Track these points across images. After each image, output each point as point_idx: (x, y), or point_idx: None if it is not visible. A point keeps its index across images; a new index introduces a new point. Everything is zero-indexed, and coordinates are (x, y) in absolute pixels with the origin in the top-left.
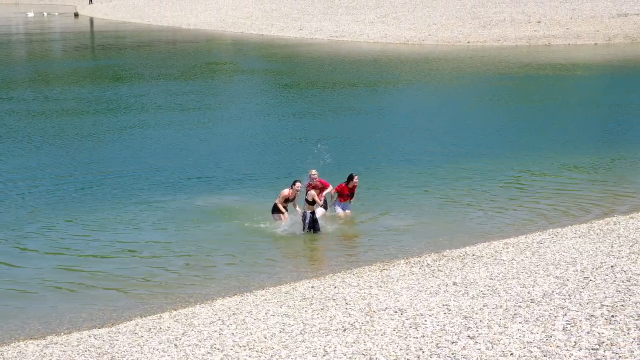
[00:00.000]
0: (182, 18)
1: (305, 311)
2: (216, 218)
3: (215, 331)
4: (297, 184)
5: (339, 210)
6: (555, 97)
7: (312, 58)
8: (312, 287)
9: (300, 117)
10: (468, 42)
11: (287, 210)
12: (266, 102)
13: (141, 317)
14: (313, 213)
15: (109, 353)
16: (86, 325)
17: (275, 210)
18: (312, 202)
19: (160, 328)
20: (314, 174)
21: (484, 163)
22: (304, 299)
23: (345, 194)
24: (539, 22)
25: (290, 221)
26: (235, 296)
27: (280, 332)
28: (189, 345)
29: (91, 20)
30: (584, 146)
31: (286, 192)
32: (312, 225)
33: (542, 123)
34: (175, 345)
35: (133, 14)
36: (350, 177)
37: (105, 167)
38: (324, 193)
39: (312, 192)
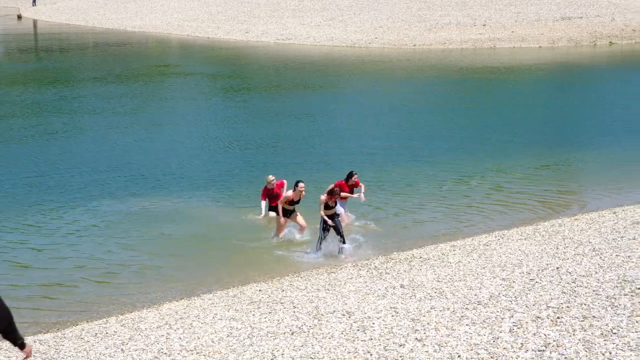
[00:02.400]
0: (127, 20)
1: (253, 315)
2: (162, 222)
3: (163, 335)
4: (300, 184)
5: (340, 210)
6: (500, 100)
7: (258, 61)
8: (260, 290)
9: (245, 121)
10: (414, 45)
11: (289, 215)
12: (211, 105)
13: (87, 321)
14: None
15: (54, 359)
16: (31, 331)
17: (277, 211)
18: (331, 207)
19: (107, 333)
20: (272, 179)
21: (430, 166)
22: (252, 302)
23: (346, 192)
24: (484, 25)
25: (285, 233)
26: (183, 300)
27: (228, 336)
28: (135, 350)
29: (34, 22)
30: (529, 148)
31: (290, 194)
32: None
33: (486, 125)
34: (122, 350)
35: (77, 16)
36: (350, 175)
37: (46, 171)
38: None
39: (322, 197)
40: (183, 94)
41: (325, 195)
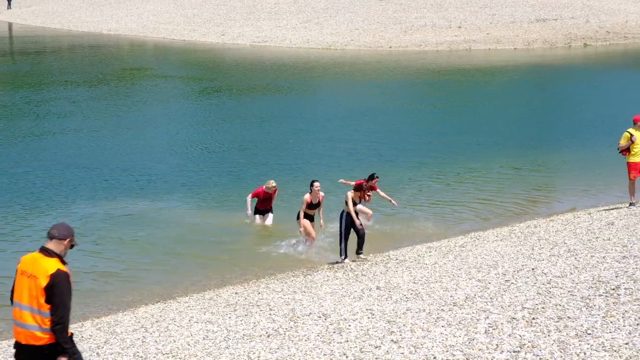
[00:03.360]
0: (102, 23)
1: (229, 317)
2: (137, 225)
3: (138, 339)
4: (316, 184)
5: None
6: (476, 102)
7: (234, 63)
8: (236, 293)
9: (221, 124)
10: (390, 47)
11: (312, 220)
12: (186, 108)
13: None
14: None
15: None
16: (5, 335)
17: (299, 218)
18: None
19: (82, 336)
20: (273, 185)
21: (406, 168)
22: (228, 305)
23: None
24: (460, 27)
25: (302, 243)
26: (159, 303)
27: (204, 339)
28: (111, 354)
29: (9, 25)
30: (504, 150)
31: (307, 197)
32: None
33: (462, 127)
34: (98, 353)
35: (53, 19)
36: (371, 177)
37: (16, 175)
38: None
39: (349, 193)
40: (158, 97)
41: (352, 191)
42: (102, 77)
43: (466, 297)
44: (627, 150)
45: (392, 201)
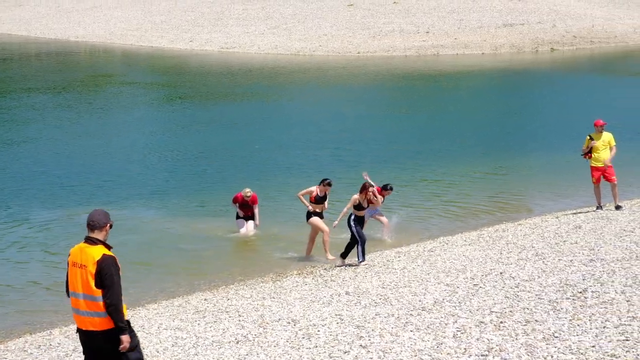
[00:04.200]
0: (70, 30)
1: (198, 324)
2: None
3: None
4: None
5: (374, 214)
6: (444, 106)
7: (202, 69)
8: (205, 299)
9: (189, 130)
10: (358, 53)
11: (322, 217)
12: (154, 114)
13: (31, 334)
14: (357, 221)
15: None
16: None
17: (309, 215)
18: (357, 208)
19: (51, 345)
20: (248, 192)
21: (375, 172)
22: (197, 311)
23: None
24: (428, 32)
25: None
26: (128, 310)
27: (173, 345)
28: None
29: None
30: (472, 154)
31: (313, 189)
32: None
33: (430, 132)
34: None
35: (20, 26)
36: (386, 187)
37: None
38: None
39: (356, 196)
40: (125, 103)
41: (358, 194)
42: (68, 84)
43: (435, 302)
44: (589, 154)
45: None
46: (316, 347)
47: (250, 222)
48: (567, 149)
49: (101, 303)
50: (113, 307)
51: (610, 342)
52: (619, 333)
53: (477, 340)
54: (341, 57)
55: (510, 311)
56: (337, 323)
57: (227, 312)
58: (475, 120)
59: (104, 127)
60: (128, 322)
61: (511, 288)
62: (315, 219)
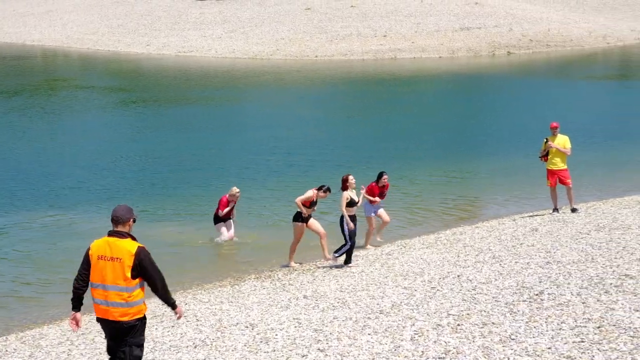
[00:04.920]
0: (25, 34)
1: (156, 329)
2: (60, 236)
3: (64, 352)
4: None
5: (369, 213)
6: (401, 110)
7: (159, 73)
8: (163, 304)
9: (145, 134)
10: (316, 57)
11: (307, 222)
12: (109, 118)
13: None
14: (354, 219)
15: None
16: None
17: (299, 219)
18: (352, 204)
19: (7, 350)
20: (237, 192)
21: (330, 176)
22: (155, 316)
23: (376, 194)
24: (385, 36)
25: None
26: (84, 315)
27: None
28: None
29: None
30: (429, 158)
31: (310, 194)
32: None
33: (386, 135)
34: None
35: None
36: (380, 175)
37: None
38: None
39: (345, 192)
40: (81, 107)
41: (346, 191)
42: (21, 88)
43: (392, 305)
44: (546, 157)
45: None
46: (274, 351)
47: (232, 225)
48: (524, 152)
49: (134, 292)
50: (163, 291)
51: (566, 343)
52: (575, 335)
53: (435, 343)
54: (299, 61)
55: (468, 314)
56: (295, 327)
57: (184, 316)
58: (432, 123)
59: (57, 132)
60: (145, 318)
61: (468, 291)
62: (313, 222)
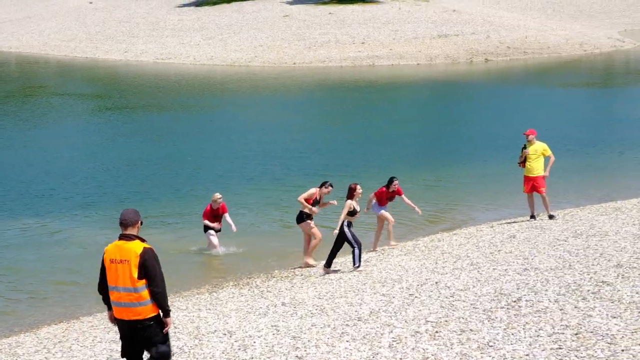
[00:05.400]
0: (2, 41)
1: None
2: (38, 245)
3: None
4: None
5: (382, 211)
6: (378, 117)
7: (137, 80)
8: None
9: (123, 141)
10: (294, 64)
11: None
12: (87, 125)
13: None
14: (350, 224)
15: None
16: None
17: (304, 218)
18: (353, 213)
19: None
20: (219, 198)
21: (308, 183)
22: None
23: (385, 198)
24: (363, 43)
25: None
26: (62, 323)
27: (108, 359)
28: None
29: None
30: (406, 164)
31: (313, 191)
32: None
33: (364, 142)
34: None
35: None
36: (390, 181)
37: None
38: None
39: (349, 201)
40: (57, 115)
41: (349, 199)
42: (3, 94)
43: (371, 312)
44: (524, 163)
45: (417, 209)
46: (252, 358)
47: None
48: (502, 158)
49: (143, 293)
50: (159, 294)
51: (543, 350)
52: (552, 342)
53: (413, 350)
54: (277, 68)
55: (446, 321)
56: (274, 334)
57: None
58: (409, 131)
59: (31, 139)
60: (160, 315)
61: (446, 297)
62: (312, 224)
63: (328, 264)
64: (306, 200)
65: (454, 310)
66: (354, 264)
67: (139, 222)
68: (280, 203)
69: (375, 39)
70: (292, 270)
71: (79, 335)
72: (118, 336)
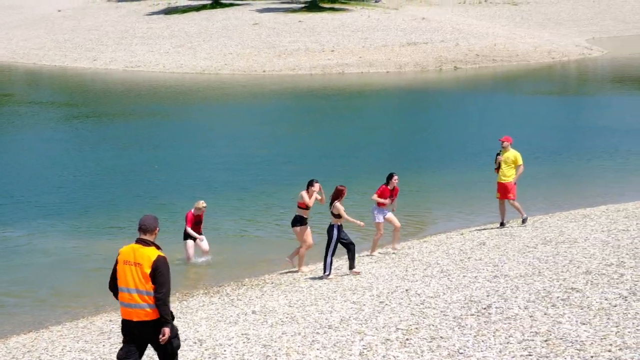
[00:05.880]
0: None
1: (103, 345)
2: (5, 254)
3: None
4: (316, 184)
5: (380, 218)
6: (348, 125)
7: (106, 88)
8: (110, 320)
9: (88, 149)
10: (264, 71)
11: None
12: (55, 134)
13: None
14: (340, 227)
15: None
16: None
17: (297, 225)
18: (338, 216)
19: None
20: (203, 205)
21: (275, 190)
22: (102, 333)
23: (386, 197)
24: (333, 51)
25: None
26: (31, 333)
27: None
28: None
29: None
30: (375, 172)
31: (305, 196)
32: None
33: (333, 150)
34: None
35: None
36: (390, 177)
37: None
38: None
39: (338, 204)
40: (27, 123)
41: (338, 200)
42: None
43: (341, 320)
44: (499, 169)
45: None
46: None
47: (204, 238)
48: (470, 166)
49: (152, 297)
50: (162, 302)
51: (513, 357)
52: (522, 348)
53: (383, 357)
54: (247, 76)
55: (416, 328)
56: (244, 342)
57: None
58: (378, 138)
59: (9, 146)
60: (172, 313)
61: (417, 305)
62: (306, 229)
63: (351, 265)
64: (303, 204)
65: (424, 318)
66: (324, 272)
67: (157, 229)
68: (248, 211)
69: (344, 47)
70: (263, 278)
71: (48, 345)
72: (88, 345)
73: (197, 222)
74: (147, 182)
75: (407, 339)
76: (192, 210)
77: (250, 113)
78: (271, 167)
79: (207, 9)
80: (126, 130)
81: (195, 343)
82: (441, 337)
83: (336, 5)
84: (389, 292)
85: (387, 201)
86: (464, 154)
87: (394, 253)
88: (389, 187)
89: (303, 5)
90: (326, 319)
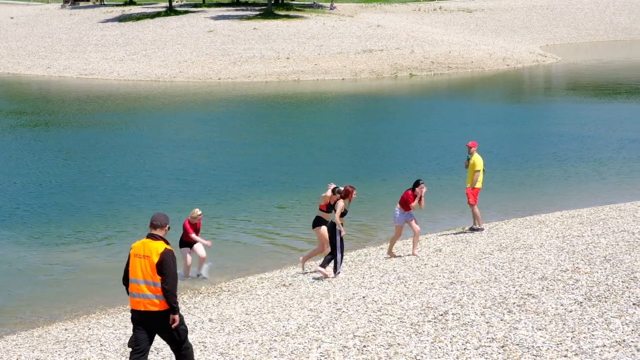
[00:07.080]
0: None
1: (59, 355)
2: None
3: None
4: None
5: (401, 222)
6: (301, 132)
7: (59, 96)
8: (66, 329)
9: (42, 158)
10: (219, 79)
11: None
12: (7, 142)
13: None
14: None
15: None
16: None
17: (317, 225)
18: (344, 214)
19: None
20: (199, 213)
21: (236, 198)
22: (58, 342)
23: (411, 202)
24: (288, 58)
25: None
26: (10, 335)
27: None
28: None
29: None
30: (328, 179)
31: (329, 194)
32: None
33: (287, 159)
34: None
35: None
36: (417, 184)
37: None
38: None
39: (341, 202)
40: None
41: (342, 199)
42: None
43: (298, 327)
44: None
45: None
46: None
47: (200, 245)
48: (424, 172)
49: (159, 288)
50: (168, 291)
51: None
52: (479, 354)
53: None
54: (202, 83)
55: (374, 335)
56: (201, 350)
57: (88, 341)
58: (334, 146)
59: None
60: (178, 304)
61: (374, 312)
62: (325, 230)
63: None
64: (322, 206)
65: (381, 325)
66: (335, 271)
67: (167, 226)
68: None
69: (300, 54)
70: (219, 285)
71: (3, 354)
72: (43, 355)
73: (194, 231)
74: (98, 189)
75: (364, 346)
76: (189, 219)
77: (201, 121)
78: (218, 177)
79: (161, 16)
80: (78, 138)
81: (152, 351)
82: (398, 343)
83: (291, 13)
84: (346, 299)
85: (413, 204)
86: (417, 161)
87: (414, 256)
88: (414, 193)
89: (258, 12)
90: (283, 327)
